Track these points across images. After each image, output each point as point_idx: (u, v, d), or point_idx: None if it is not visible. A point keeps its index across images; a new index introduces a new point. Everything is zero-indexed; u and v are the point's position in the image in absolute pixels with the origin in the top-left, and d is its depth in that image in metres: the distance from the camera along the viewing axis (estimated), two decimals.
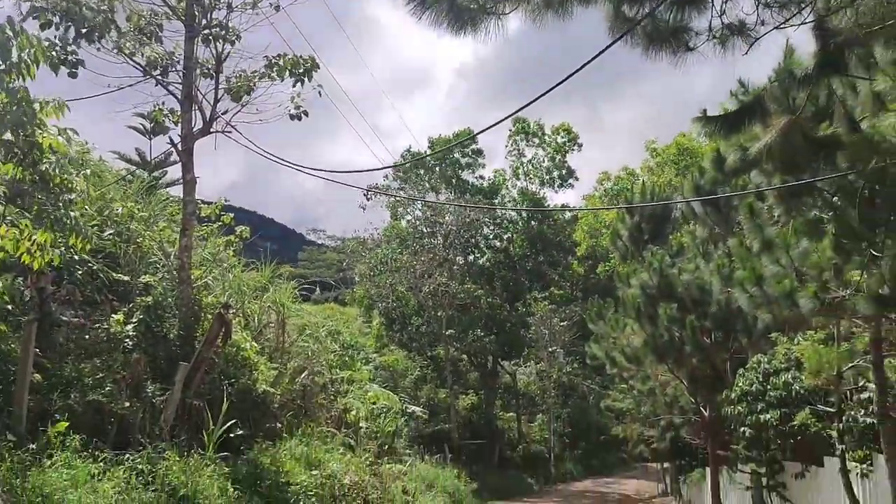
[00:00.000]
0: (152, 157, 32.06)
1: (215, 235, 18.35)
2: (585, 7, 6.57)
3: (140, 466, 10.06)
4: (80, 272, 13.04)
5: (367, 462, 18.00)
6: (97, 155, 17.88)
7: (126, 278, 14.17)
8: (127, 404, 11.38)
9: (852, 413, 14.61)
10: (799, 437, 16.49)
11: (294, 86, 16.14)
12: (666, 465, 32.44)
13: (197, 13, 15.37)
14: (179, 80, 15.53)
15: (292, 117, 16.23)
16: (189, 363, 12.65)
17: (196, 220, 16.31)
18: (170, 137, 16.65)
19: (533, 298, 46.04)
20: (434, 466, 27.02)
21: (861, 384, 14.79)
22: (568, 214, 55.64)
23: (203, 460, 11.14)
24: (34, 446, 9.07)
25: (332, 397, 19.95)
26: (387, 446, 21.69)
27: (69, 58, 12.95)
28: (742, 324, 20.14)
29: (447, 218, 43.17)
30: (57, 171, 8.71)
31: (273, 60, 15.72)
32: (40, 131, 8.41)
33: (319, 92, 16.10)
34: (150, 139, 30.81)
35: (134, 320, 13.16)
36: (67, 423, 9.71)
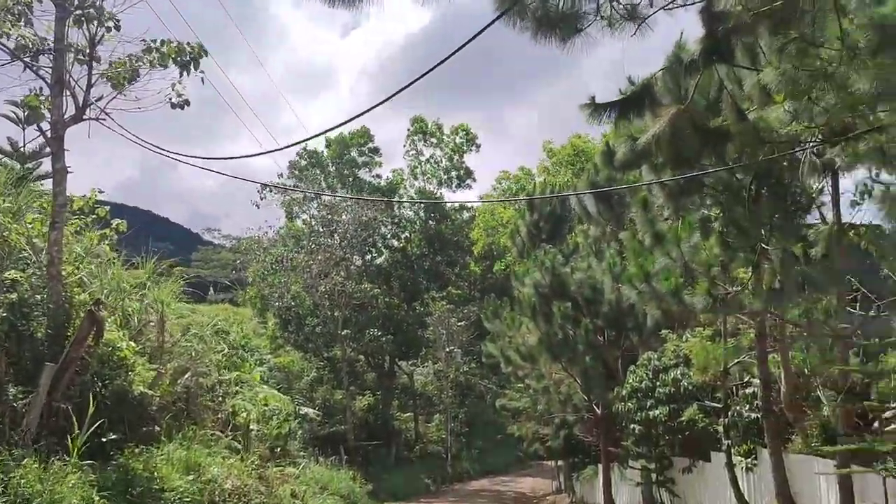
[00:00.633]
0: (26, 146, 30.14)
1: (90, 229, 17.28)
2: None
3: None
4: None
5: (254, 465, 17.31)
6: None
7: None
8: None
9: (738, 408, 14.86)
10: (687, 433, 16.73)
11: (181, 75, 15.33)
12: (560, 462, 32.72)
13: None
14: (50, 65, 14.51)
15: (174, 106, 15.37)
16: (56, 364, 11.75)
17: (68, 213, 15.28)
18: (38, 126, 15.56)
19: (431, 298, 45.86)
20: (329, 468, 26.58)
21: (746, 380, 15.08)
22: (466, 214, 55.78)
23: (66, 467, 10.31)
24: None
25: (219, 399, 19.12)
26: (279, 449, 21.01)
27: None
28: (633, 322, 20.43)
29: (344, 217, 42.49)
30: None
31: (152, 45, 14.85)
32: None
33: (202, 80, 15.33)
34: (24, 128, 28.93)
35: None
36: None
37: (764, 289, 10.17)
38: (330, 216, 42.34)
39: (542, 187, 40.13)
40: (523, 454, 41.70)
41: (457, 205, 57.74)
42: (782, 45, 5.84)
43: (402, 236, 52.07)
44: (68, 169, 14.49)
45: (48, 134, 14.53)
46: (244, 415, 19.50)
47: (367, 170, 52.62)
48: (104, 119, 14.90)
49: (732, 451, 14.72)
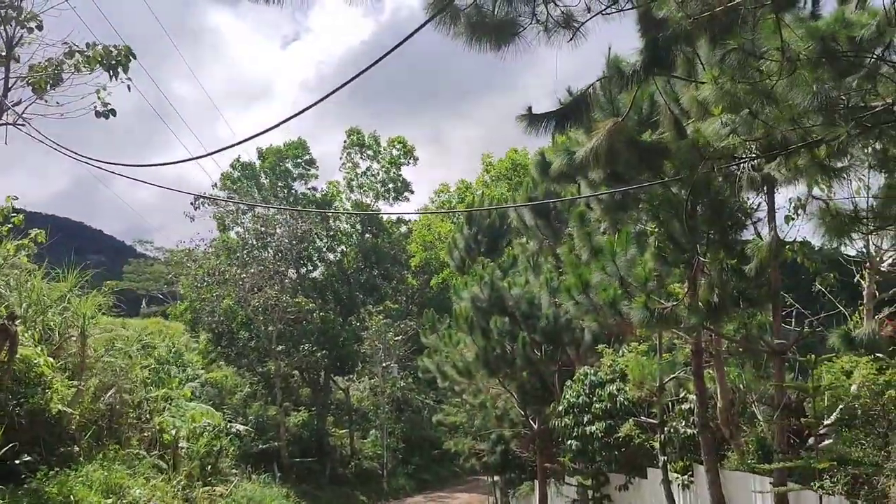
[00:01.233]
0: None
1: (7, 239, 16.44)
2: None
3: None
4: None
5: (181, 485, 16.67)
6: None
7: None
8: None
9: (674, 424, 14.78)
10: (623, 449, 16.62)
11: (111, 80, 14.67)
12: (497, 478, 32.46)
13: None
14: None
15: (98, 114, 14.70)
16: None
17: None
18: None
19: (367, 312, 45.28)
20: (262, 486, 25.96)
21: (682, 395, 15.03)
22: (403, 228, 55.41)
23: None
24: None
25: (146, 416, 18.40)
26: (210, 467, 20.37)
27: None
28: (570, 336, 20.31)
29: (278, 230, 41.70)
30: None
31: (75, 49, 14.17)
32: None
33: (129, 87, 14.71)
34: None
35: None
36: None
37: (700, 304, 10.08)
38: (264, 228, 41.52)
39: (480, 201, 40.10)
40: (460, 470, 41.41)
41: (394, 218, 57.41)
42: (722, 56, 5.66)
43: (339, 249, 51.42)
44: None
45: None
46: (172, 432, 18.83)
47: (303, 182, 51.91)
48: (22, 124, 14.16)
49: (669, 467, 14.64)
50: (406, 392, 47.92)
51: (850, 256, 13.88)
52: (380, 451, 45.77)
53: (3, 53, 14.17)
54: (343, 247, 51.62)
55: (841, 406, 11.34)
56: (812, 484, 9.80)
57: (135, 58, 14.87)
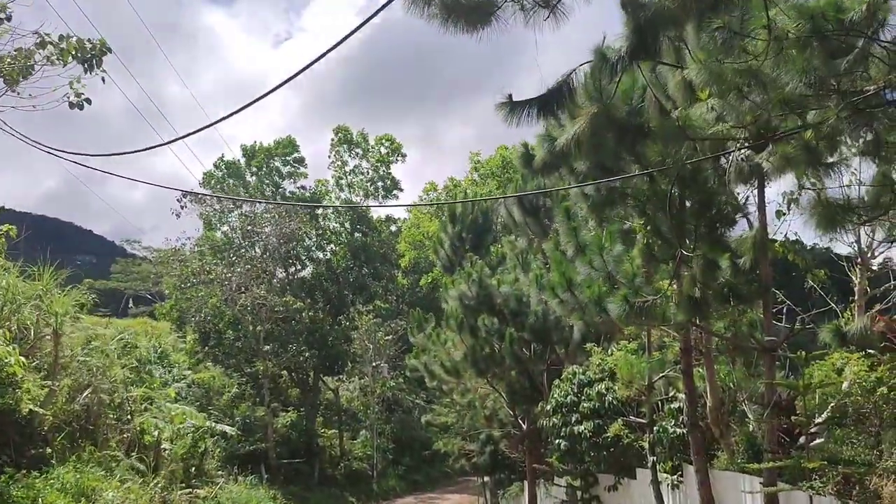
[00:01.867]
0: None
1: None
2: None
3: None
4: None
5: (159, 488, 16.32)
6: None
7: None
8: None
9: (663, 423, 14.56)
10: (612, 449, 16.36)
11: (86, 73, 14.34)
12: (486, 478, 32.22)
13: None
14: None
15: (72, 106, 14.36)
16: None
17: None
18: None
19: (357, 311, 44.92)
20: (248, 488, 25.64)
21: (672, 394, 14.80)
22: (393, 227, 55.10)
23: None
24: None
25: (126, 417, 18.06)
26: (194, 468, 20.05)
27: None
28: (559, 335, 20.07)
29: (266, 229, 41.31)
30: None
31: (47, 40, 13.83)
32: None
33: (103, 79, 14.38)
34: None
35: None
36: None
37: (686, 299, 9.83)
38: (251, 227, 41.14)
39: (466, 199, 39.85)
40: (450, 470, 41.12)
41: (383, 217, 57.06)
42: (710, 35, 5.39)
43: (328, 248, 51.01)
44: None
45: None
46: (154, 433, 18.48)
47: (292, 181, 51.55)
48: None
49: (658, 467, 14.41)
50: (396, 392, 47.58)
51: (841, 254, 13.74)
52: (370, 452, 45.43)
53: None
54: (332, 245, 51.22)
55: (832, 404, 11.14)
56: (802, 484, 9.57)
57: (111, 51, 14.52)
